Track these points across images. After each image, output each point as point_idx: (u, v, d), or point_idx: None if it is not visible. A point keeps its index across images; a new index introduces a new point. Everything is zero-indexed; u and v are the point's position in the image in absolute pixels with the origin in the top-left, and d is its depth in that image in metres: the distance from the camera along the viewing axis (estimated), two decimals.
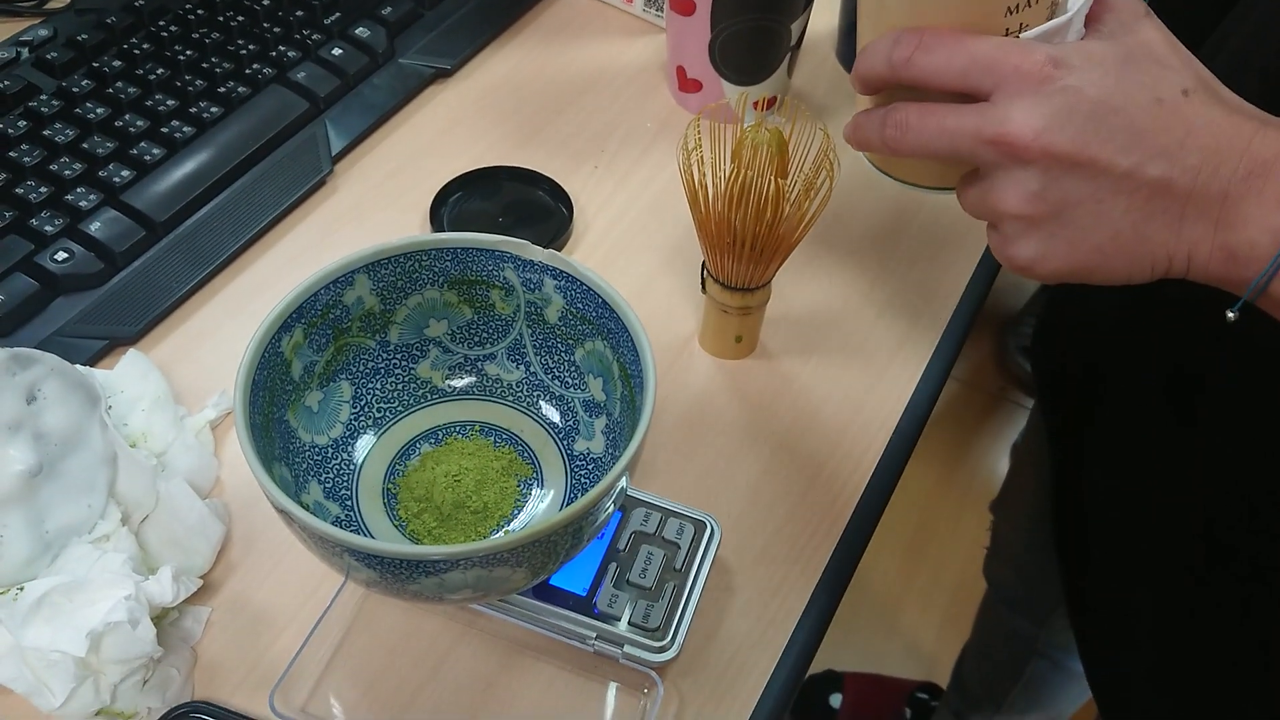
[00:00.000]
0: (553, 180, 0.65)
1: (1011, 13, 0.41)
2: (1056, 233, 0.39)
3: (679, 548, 0.48)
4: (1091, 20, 0.41)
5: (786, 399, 0.57)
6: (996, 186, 0.40)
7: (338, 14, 0.73)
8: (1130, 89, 0.38)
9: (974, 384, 1.72)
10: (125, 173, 0.61)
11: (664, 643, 0.45)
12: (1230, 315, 0.39)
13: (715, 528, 0.49)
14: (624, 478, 0.40)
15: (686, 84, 0.70)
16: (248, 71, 0.68)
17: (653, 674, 0.46)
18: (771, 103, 0.70)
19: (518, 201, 0.64)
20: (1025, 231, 0.40)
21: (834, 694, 1.30)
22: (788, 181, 0.49)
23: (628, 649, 0.45)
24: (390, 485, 0.48)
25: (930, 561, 1.50)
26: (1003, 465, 1.64)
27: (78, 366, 0.49)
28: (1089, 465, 0.65)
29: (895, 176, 0.48)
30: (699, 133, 0.50)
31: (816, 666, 1.33)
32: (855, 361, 0.59)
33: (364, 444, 0.49)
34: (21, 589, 0.43)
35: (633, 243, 0.64)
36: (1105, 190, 0.38)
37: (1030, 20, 0.41)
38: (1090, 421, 0.65)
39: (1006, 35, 0.40)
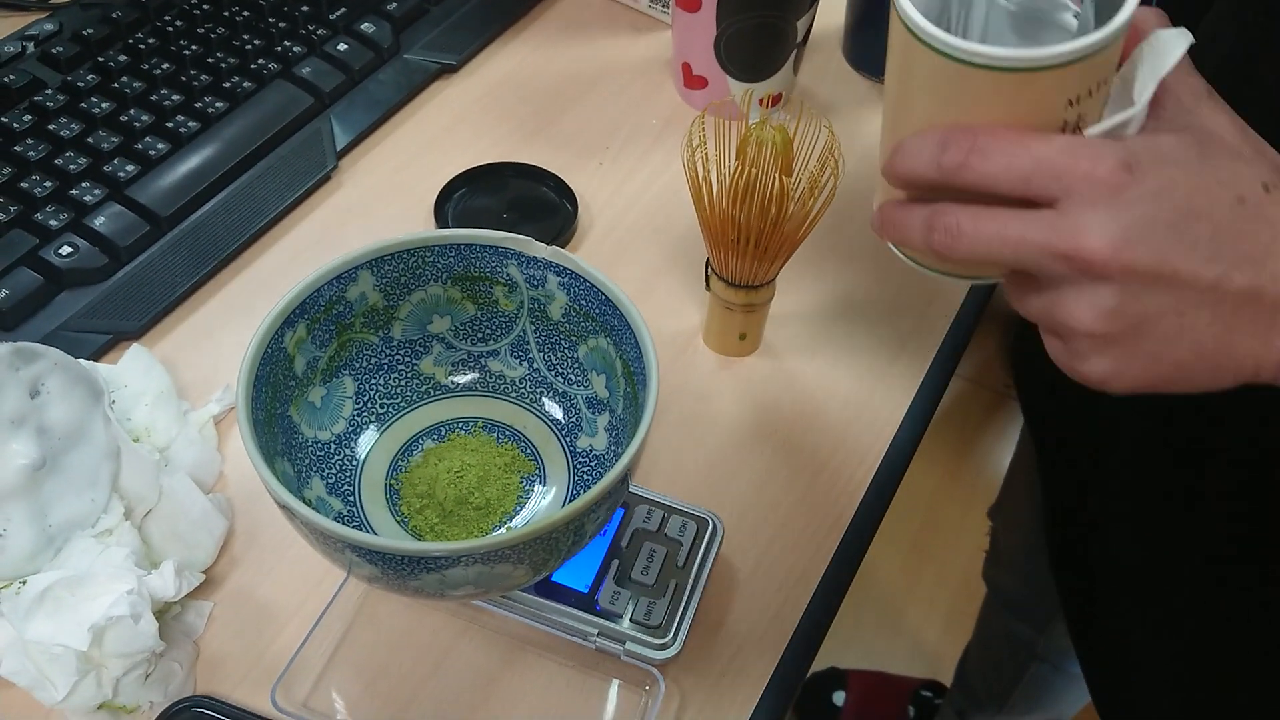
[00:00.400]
0: (557, 176, 0.65)
1: (1072, 104, 0.36)
2: (1134, 349, 0.36)
3: (681, 545, 0.48)
4: (1150, 106, 0.37)
5: (790, 396, 0.57)
6: (1066, 301, 0.36)
7: (343, 9, 0.73)
8: (1210, 190, 0.34)
9: (980, 381, 1.72)
10: (130, 167, 0.61)
11: (666, 640, 0.45)
12: None
13: (718, 525, 0.49)
14: (626, 475, 0.40)
15: (692, 80, 0.70)
16: (253, 66, 0.68)
17: (654, 671, 0.46)
18: (777, 100, 0.70)
19: (522, 198, 0.64)
20: (1099, 348, 0.36)
21: (837, 691, 1.30)
22: (792, 178, 0.49)
23: (629, 646, 0.45)
24: (393, 481, 0.48)
25: (935, 559, 1.49)
26: (1007, 464, 1.63)
27: (81, 361, 0.49)
28: (1084, 495, 0.64)
29: (929, 267, 0.42)
30: (703, 129, 0.50)
31: (820, 664, 1.34)
32: (860, 359, 0.59)
33: (367, 440, 0.49)
34: (24, 583, 0.43)
35: (637, 239, 0.64)
36: (1188, 303, 0.35)
37: (1088, 111, 0.36)
38: (1084, 459, 0.64)
39: (1064, 128, 0.36)
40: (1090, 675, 0.64)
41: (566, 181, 0.65)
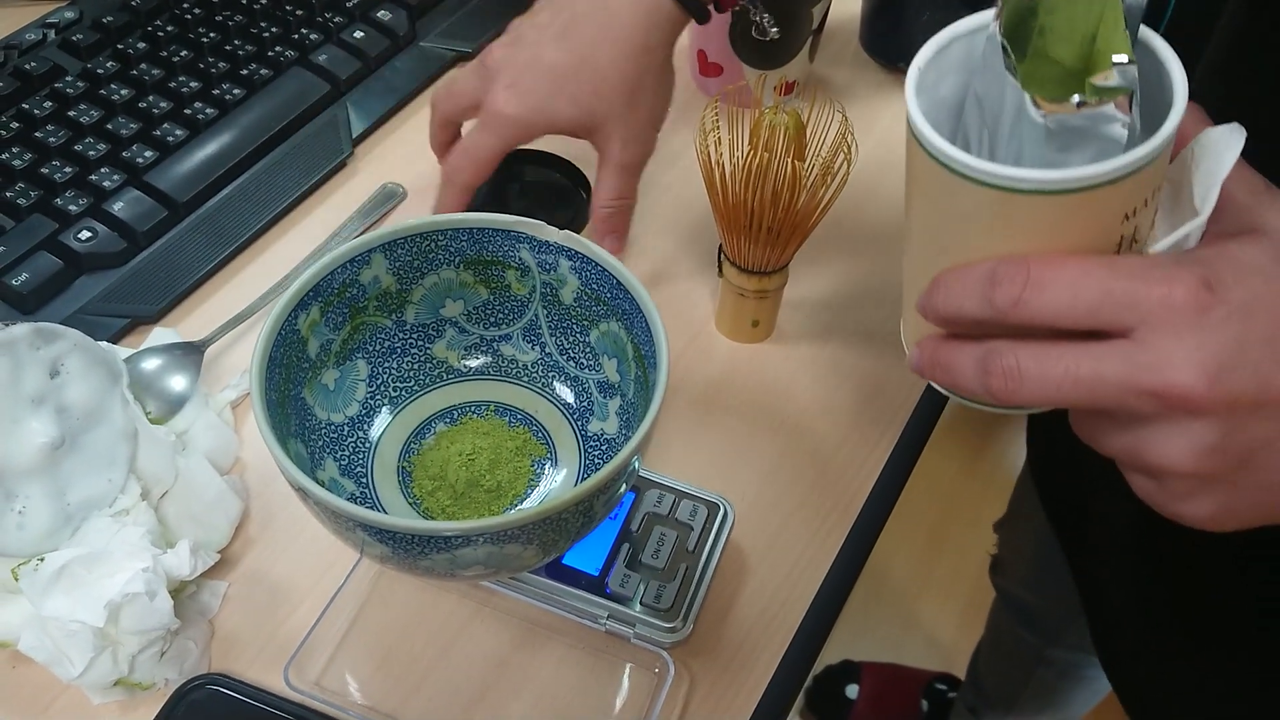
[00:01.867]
0: (570, 163, 0.65)
1: (1129, 219, 0.32)
2: (1241, 483, 0.32)
3: (692, 529, 0.48)
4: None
5: (802, 383, 0.57)
6: (1159, 441, 0.32)
7: None
8: None
9: None
10: (148, 153, 0.62)
11: (676, 623, 0.45)
12: None
13: (729, 510, 0.49)
14: (635, 458, 0.40)
15: (707, 68, 0.70)
16: (270, 54, 0.69)
17: (664, 654, 0.46)
18: (792, 87, 0.70)
19: (536, 184, 0.64)
20: (1201, 488, 0.32)
21: (851, 684, 1.30)
22: (805, 164, 0.49)
23: (639, 629, 0.46)
24: (405, 463, 0.49)
25: (950, 553, 1.49)
26: (1023, 459, 1.62)
27: (100, 343, 0.50)
28: (1086, 504, 0.64)
29: (983, 403, 0.36)
30: (717, 114, 0.50)
31: (834, 657, 1.34)
32: (872, 346, 0.59)
33: (380, 422, 0.49)
34: (42, 560, 0.44)
35: (650, 226, 0.64)
36: None
37: (1142, 223, 0.32)
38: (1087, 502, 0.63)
39: (1120, 246, 0.32)
40: (1114, 679, 0.64)
41: (580, 168, 0.65)
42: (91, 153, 0.61)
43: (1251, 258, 0.31)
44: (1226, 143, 0.32)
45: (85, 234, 0.58)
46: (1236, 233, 0.32)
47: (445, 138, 0.60)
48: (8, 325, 0.45)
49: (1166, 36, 0.33)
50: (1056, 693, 0.99)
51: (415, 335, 0.50)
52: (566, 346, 0.50)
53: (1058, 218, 0.31)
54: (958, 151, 0.31)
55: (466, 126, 0.58)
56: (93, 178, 0.61)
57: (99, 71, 0.66)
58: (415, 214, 0.60)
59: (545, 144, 0.67)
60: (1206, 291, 0.30)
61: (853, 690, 1.30)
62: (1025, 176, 0.30)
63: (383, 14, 0.72)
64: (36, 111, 0.63)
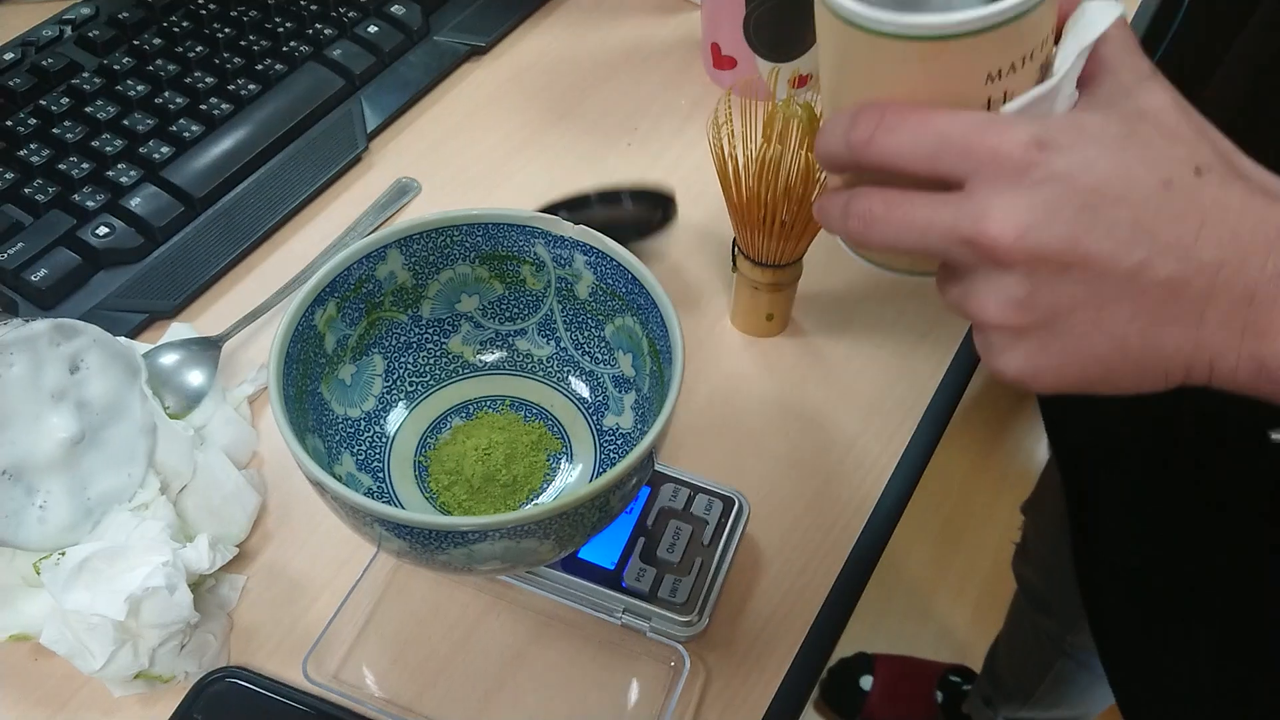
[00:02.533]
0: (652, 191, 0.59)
1: (993, 79, 0.33)
2: (1049, 343, 0.33)
3: (707, 524, 0.48)
4: (1086, 83, 0.34)
5: (817, 377, 0.57)
6: (976, 291, 0.33)
7: None
8: (1132, 171, 0.31)
9: None
10: (165, 149, 0.62)
11: (691, 617, 0.46)
12: (1274, 436, 0.34)
13: (744, 504, 0.49)
14: (651, 452, 0.40)
15: (721, 61, 0.70)
16: (285, 49, 0.69)
17: (679, 648, 0.46)
18: (806, 80, 0.70)
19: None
20: (1012, 342, 0.34)
21: (865, 676, 1.30)
22: None
23: (655, 623, 0.46)
24: (421, 458, 0.49)
25: (965, 547, 1.49)
26: (1039, 452, 1.62)
27: (119, 339, 0.50)
28: (1101, 496, 0.63)
29: (866, 258, 0.41)
30: (729, 107, 0.50)
31: (848, 649, 1.34)
32: (888, 340, 0.59)
33: (396, 417, 0.50)
34: (63, 554, 0.44)
35: None
36: (1105, 294, 0.32)
37: (1015, 88, 0.34)
38: (1101, 461, 0.63)
39: (989, 108, 0.34)
40: (1113, 676, 0.64)
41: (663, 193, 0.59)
42: (109, 149, 0.62)
43: (1096, 128, 0.32)
44: (1100, 13, 0.34)
45: (103, 230, 0.59)
46: (1101, 110, 0.33)
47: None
48: (28, 321, 0.45)
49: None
50: (1074, 686, 0.99)
51: (431, 330, 0.50)
52: (582, 341, 0.50)
53: (918, 66, 0.33)
54: None
55: None
56: (110, 174, 0.61)
57: (115, 68, 0.66)
58: (430, 209, 0.61)
59: (562, 139, 0.67)
60: (1036, 149, 0.31)
61: (867, 682, 1.30)
62: (882, 17, 0.32)
63: (396, 8, 0.72)
64: (54, 108, 0.63)
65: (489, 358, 0.51)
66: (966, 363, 0.58)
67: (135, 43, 0.68)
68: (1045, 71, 0.34)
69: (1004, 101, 0.34)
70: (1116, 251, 0.31)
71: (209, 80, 0.66)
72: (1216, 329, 0.31)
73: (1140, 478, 0.59)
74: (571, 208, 0.57)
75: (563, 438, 0.50)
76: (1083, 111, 0.33)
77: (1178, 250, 0.31)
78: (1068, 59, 0.33)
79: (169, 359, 0.53)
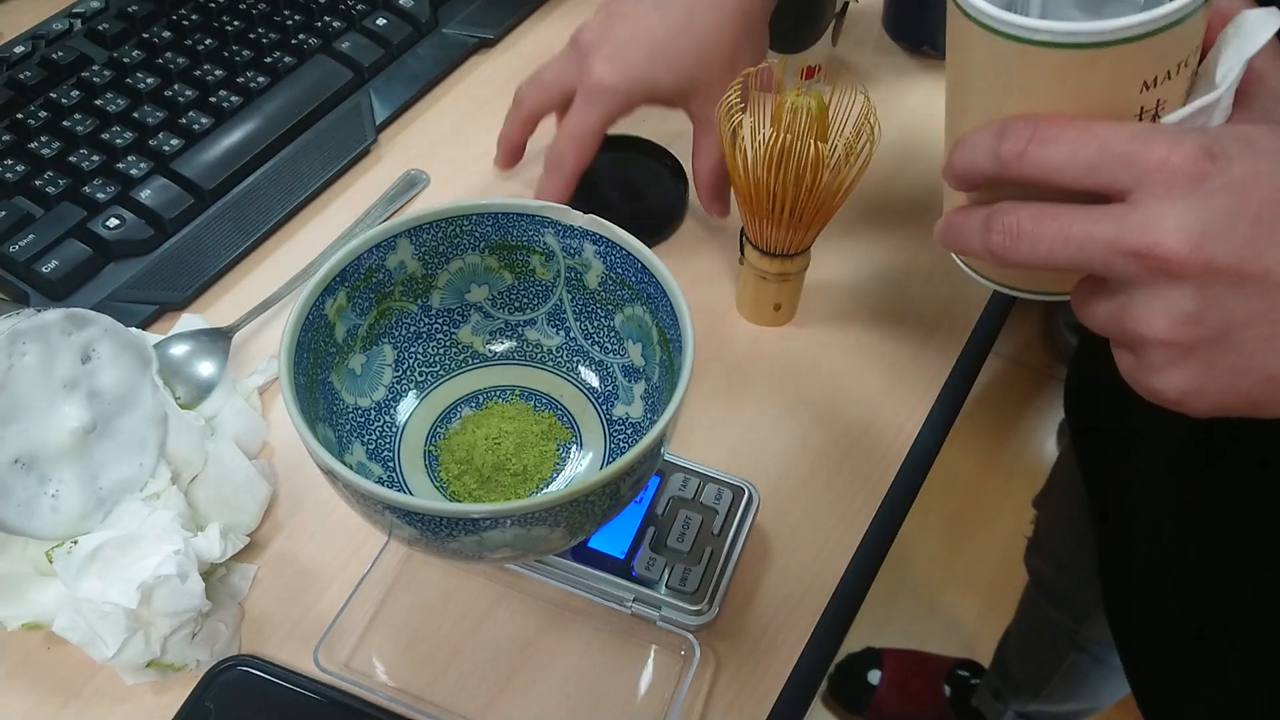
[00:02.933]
0: (657, 144, 0.63)
1: (1147, 88, 0.32)
2: (1217, 361, 0.31)
3: (717, 513, 0.48)
4: (1240, 96, 0.34)
5: (826, 367, 0.57)
6: (1138, 306, 0.32)
7: None
8: None
9: (1021, 361, 1.70)
10: (175, 141, 0.63)
11: (701, 606, 0.46)
12: None
13: (754, 494, 0.49)
14: (661, 441, 0.40)
15: None
16: (294, 41, 0.69)
17: (689, 637, 0.46)
18: (816, 71, 0.70)
19: (629, 172, 0.62)
20: (1176, 361, 0.32)
21: (873, 670, 1.30)
22: (828, 146, 0.48)
23: (665, 612, 0.46)
24: (431, 447, 0.49)
25: (974, 540, 1.49)
26: (1049, 445, 1.62)
27: (130, 329, 0.50)
28: (1125, 490, 0.63)
29: (994, 281, 0.40)
30: (738, 96, 0.50)
31: (856, 643, 1.34)
32: (896, 330, 0.59)
33: (406, 407, 0.50)
34: (75, 543, 0.44)
35: None
36: None
37: (1167, 97, 0.33)
38: (1124, 454, 0.62)
39: (1141, 118, 0.33)
40: (1132, 674, 0.64)
41: (667, 149, 0.63)
42: (119, 141, 0.62)
43: (1262, 139, 0.31)
44: (1261, 23, 0.33)
45: (113, 221, 0.59)
46: (1264, 121, 0.32)
47: (525, 135, 0.59)
48: (39, 311, 0.46)
49: None
50: (1086, 680, 0.99)
51: (441, 320, 0.50)
52: (591, 331, 0.50)
53: (1070, 78, 0.32)
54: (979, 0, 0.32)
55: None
56: (120, 166, 0.61)
57: (125, 60, 0.66)
58: (438, 200, 0.61)
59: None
60: (1207, 160, 0.30)
61: (875, 676, 1.30)
62: (1035, 25, 0.31)
63: (405, 1, 0.72)
64: (64, 101, 0.64)
65: (499, 348, 0.52)
66: (976, 354, 0.58)
67: (145, 35, 0.68)
68: (1195, 80, 0.34)
69: (1156, 111, 0.33)
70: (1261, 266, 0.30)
71: (218, 73, 0.66)
72: None
73: (1167, 472, 0.58)
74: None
75: (572, 427, 0.50)
76: (1246, 124, 0.32)
77: None
78: (1231, 69, 0.32)
79: (180, 350, 0.53)
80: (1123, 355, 0.34)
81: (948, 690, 1.28)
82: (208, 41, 0.68)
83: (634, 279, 0.47)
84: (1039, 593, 1.01)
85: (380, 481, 0.47)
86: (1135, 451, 0.62)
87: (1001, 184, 0.34)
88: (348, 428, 0.47)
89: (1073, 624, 0.94)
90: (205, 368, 0.53)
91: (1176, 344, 0.32)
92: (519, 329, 0.51)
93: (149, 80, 0.65)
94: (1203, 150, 0.31)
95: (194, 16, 0.69)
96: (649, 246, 0.45)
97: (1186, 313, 0.31)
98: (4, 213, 0.58)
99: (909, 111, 0.71)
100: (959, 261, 0.40)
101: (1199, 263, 0.30)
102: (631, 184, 0.63)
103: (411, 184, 0.64)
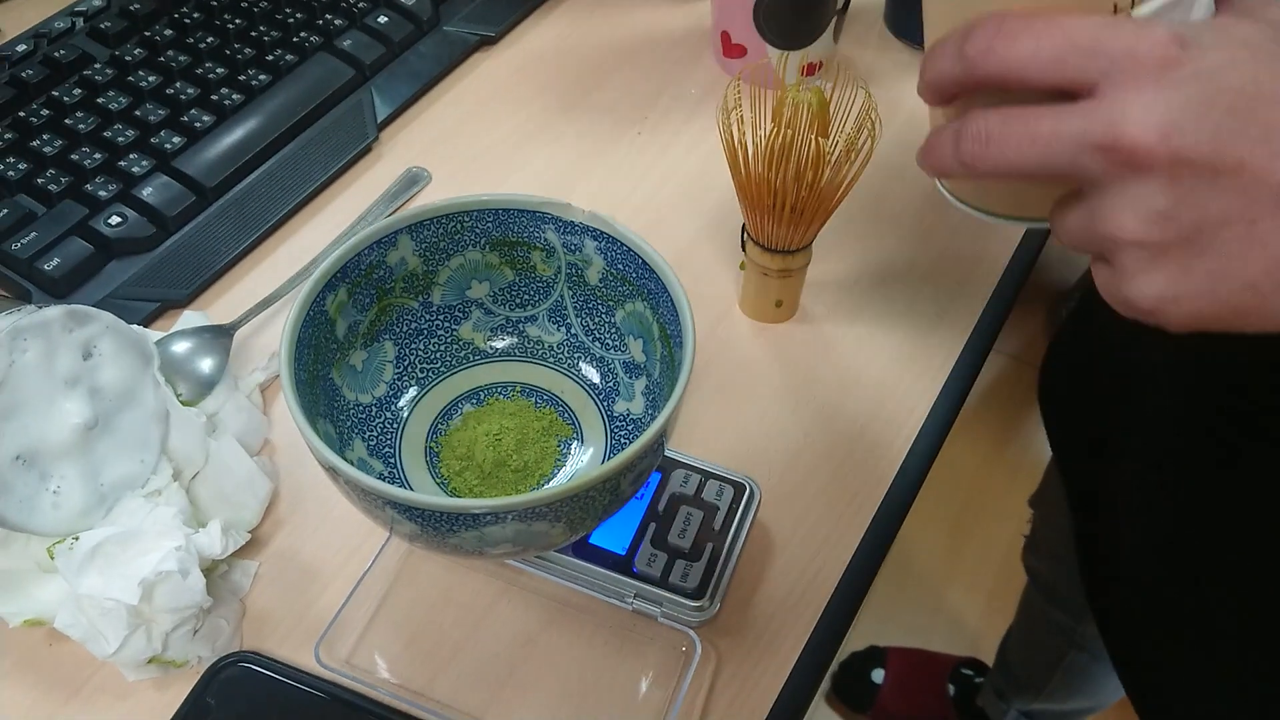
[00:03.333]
0: None
1: None
2: (1193, 265, 0.29)
3: (718, 509, 0.48)
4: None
5: (828, 363, 0.57)
6: (1108, 206, 0.30)
7: None
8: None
9: (1024, 359, 1.70)
10: (176, 139, 0.63)
11: (702, 603, 0.46)
12: None
13: (755, 490, 0.49)
14: (662, 435, 0.40)
15: (731, 49, 0.70)
16: (295, 39, 0.69)
17: (691, 633, 0.46)
18: (817, 68, 0.70)
19: None
20: (1150, 263, 0.30)
21: (876, 669, 1.30)
22: (829, 142, 0.48)
23: (666, 608, 0.46)
24: (433, 444, 0.49)
25: (977, 539, 1.48)
26: (1048, 446, 1.61)
27: (132, 326, 0.50)
28: (1102, 490, 0.63)
29: (974, 206, 0.38)
30: (739, 93, 0.50)
31: (860, 642, 1.34)
32: (898, 327, 0.58)
33: (407, 403, 0.50)
34: (77, 539, 0.44)
35: (675, 208, 0.64)
36: (1261, 206, 0.28)
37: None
38: (1101, 453, 0.62)
39: (1116, 12, 0.32)
40: (1122, 672, 0.63)
41: None
42: (121, 139, 0.62)
43: (1243, 31, 0.29)
44: None
45: (115, 219, 0.59)
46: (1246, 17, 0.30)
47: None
48: (41, 308, 0.46)
49: None
50: (1087, 677, 0.98)
51: (442, 317, 0.50)
52: (592, 327, 0.50)
53: None
54: None
55: None
56: (122, 164, 0.61)
57: (127, 59, 0.66)
58: (440, 197, 0.61)
59: (573, 128, 0.67)
60: (1176, 46, 0.29)
61: (878, 675, 1.30)
62: None
63: None
64: (66, 99, 0.64)
65: (500, 344, 0.51)
66: (979, 350, 0.58)
67: (146, 34, 0.68)
68: None
69: (1131, 9, 0.31)
70: (1273, 157, 0.28)
71: (220, 71, 0.66)
72: None
73: (1145, 475, 0.58)
74: None
75: (573, 423, 0.50)
76: (1223, 18, 0.31)
77: None
78: None
79: (181, 347, 0.53)
80: (1099, 269, 0.32)
81: (952, 689, 1.28)
82: (209, 40, 0.68)
83: (634, 275, 0.47)
84: (1037, 591, 1.01)
85: (381, 478, 0.47)
86: (1112, 448, 0.61)
87: (974, 92, 0.33)
88: (349, 424, 0.47)
89: (1071, 622, 0.94)
90: (207, 365, 0.53)
91: (1149, 244, 0.30)
92: (520, 325, 0.51)
93: (151, 78, 0.65)
94: (1173, 37, 0.29)
95: (195, 15, 0.69)
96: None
97: (1157, 209, 0.29)
98: (6, 211, 0.58)
99: (911, 108, 0.70)
100: (941, 189, 0.39)
101: (1168, 153, 0.28)
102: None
103: (413, 181, 0.64)
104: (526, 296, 0.51)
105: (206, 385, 0.52)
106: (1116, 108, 0.29)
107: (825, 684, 1.32)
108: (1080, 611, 0.92)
